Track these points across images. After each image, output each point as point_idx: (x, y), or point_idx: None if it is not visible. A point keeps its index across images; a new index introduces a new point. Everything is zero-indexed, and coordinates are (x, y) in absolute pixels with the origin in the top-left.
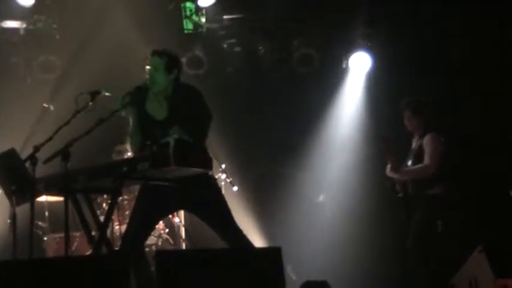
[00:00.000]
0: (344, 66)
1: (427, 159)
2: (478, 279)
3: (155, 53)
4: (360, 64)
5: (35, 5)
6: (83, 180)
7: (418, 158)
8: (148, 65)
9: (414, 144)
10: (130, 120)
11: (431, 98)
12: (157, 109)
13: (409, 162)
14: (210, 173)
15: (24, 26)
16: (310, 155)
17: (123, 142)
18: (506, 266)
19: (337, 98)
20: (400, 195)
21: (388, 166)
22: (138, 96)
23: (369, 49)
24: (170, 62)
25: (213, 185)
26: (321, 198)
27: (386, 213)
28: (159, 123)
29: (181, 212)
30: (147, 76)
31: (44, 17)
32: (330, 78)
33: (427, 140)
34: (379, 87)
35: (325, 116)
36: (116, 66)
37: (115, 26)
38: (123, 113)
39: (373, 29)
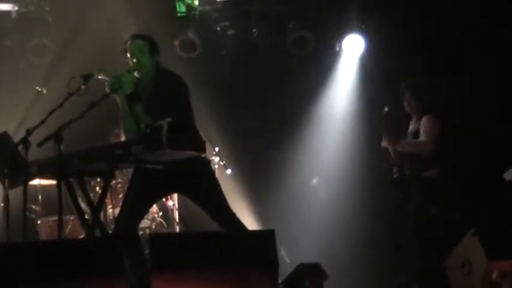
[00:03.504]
0: (337, 48)
1: (424, 137)
2: (471, 262)
3: (137, 36)
4: (353, 47)
5: None
6: (76, 164)
7: (412, 137)
8: (130, 49)
9: (412, 127)
10: (121, 104)
11: (428, 81)
12: (142, 93)
13: None
14: (204, 155)
15: (16, 9)
16: (303, 138)
17: (119, 126)
18: (499, 248)
19: (331, 80)
20: (395, 176)
21: (386, 139)
22: (127, 79)
23: (363, 32)
24: (153, 44)
25: (207, 168)
26: (315, 181)
27: (381, 195)
28: (145, 106)
29: (175, 195)
30: (132, 60)
31: (36, 0)
32: (324, 60)
33: (424, 121)
34: (372, 70)
35: (319, 98)
36: (108, 49)
37: (107, 10)
38: (115, 97)
39: (366, 11)
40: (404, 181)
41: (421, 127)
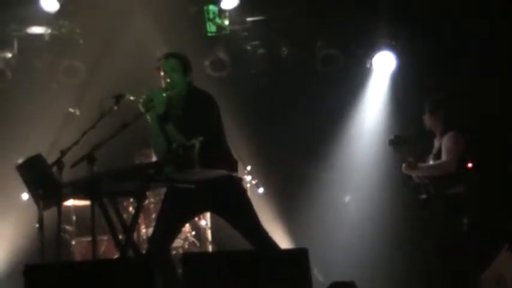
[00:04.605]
0: (368, 66)
1: (444, 156)
2: (506, 279)
3: (170, 55)
4: (384, 64)
5: (59, 11)
6: (109, 184)
7: (438, 157)
8: (163, 67)
9: (436, 144)
10: (152, 123)
11: (456, 96)
12: (173, 112)
13: (430, 162)
14: (236, 174)
15: (49, 31)
16: (334, 156)
17: (149, 145)
18: None
19: (361, 98)
20: (423, 196)
21: (404, 164)
22: (159, 99)
23: (393, 48)
24: (186, 63)
25: (239, 187)
26: (347, 199)
27: (413, 214)
28: (176, 126)
29: (207, 215)
30: (165, 79)
31: (68, 22)
32: (354, 78)
33: (446, 139)
34: (404, 87)
35: (350, 116)
36: (139, 69)
37: (137, 30)
38: (147, 116)
39: (397, 28)
40: (430, 201)
41: (443, 145)
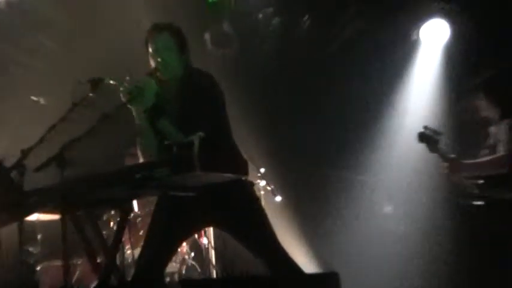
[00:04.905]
0: (414, 38)
1: (501, 149)
2: None
3: (162, 27)
4: (434, 35)
5: None
6: (85, 192)
7: (493, 152)
8: (154, 44)
9: (491, 134)
10: (138, 117)
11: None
12: (167, 102)
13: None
14: (246, 178)
15: None
16: (370, 154)
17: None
18: None
19: (406, 78)
20: (474, 203)
21: (444, 164)
22: (148, 86)
23: (446, 14)
24: (182, 38)
25: (250, 194)
26: (388, 208)
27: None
28: (171, 118)
29: (210, 230)
30: (155, 58)
31: None
32: (396, 54)
33: (503, 127)
34: (460, 64)
35: (390, 103)
36: (122, 46)
37: (121, 3)
38: (133, 107)
39: None
40: (484, 208)
41: (500, 136)
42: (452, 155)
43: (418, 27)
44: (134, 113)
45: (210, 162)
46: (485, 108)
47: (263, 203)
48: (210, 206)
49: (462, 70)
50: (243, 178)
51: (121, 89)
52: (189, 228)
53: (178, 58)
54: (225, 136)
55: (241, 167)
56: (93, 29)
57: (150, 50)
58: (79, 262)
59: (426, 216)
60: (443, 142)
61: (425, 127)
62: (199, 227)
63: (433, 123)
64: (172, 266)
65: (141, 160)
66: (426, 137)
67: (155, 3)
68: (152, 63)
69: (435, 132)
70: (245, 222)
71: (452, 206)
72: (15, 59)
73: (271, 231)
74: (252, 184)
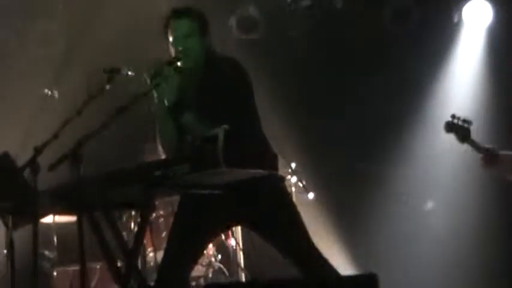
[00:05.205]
0: (456, 20)
1: None
2: None
3: (182, 13)
4: (477, 16)
5: None
6: (102, 192)
7: None
8: (173, 31)
9: None
10: (159, 104)
11: None
12: (189, 93)
13: None
14: (276, 173)
15: None
16: (409, 146)
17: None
18: None
19: (447, 64)
20: None
21: (481, 156)
22: (169, 78)
23: None
24: (204, 23)
25: (282, 190)
26: (429, 205)
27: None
28: (195, 112)
29: (238, 230)
30: (175, 46)
31: None
32: (436, 38)
33: None
34: (506, 47)
35: (431, 90)
36: (137, 34)
37: None
38: (154, 97)
39: None
40: None
41: None
42: (488, 145)
43: (460, 9)
44: (155, 100)
45: (236, 158)
46: None
47: (294, 200)
48: (237, 203)
49: (506, 54)
50: (274, 173)
51: (145, 74)
52: (214, 228)
53: (200, 44)
54: (253, 128)
55: (271, 162)
56: (106, 13)
57: (170, 38)
58: (97, 266)
59: (469, 214)
60: (475, 132)
61: (453, 116)
62: (225, 227)
63: (475, 111)
64: (198, 270)
65: (161, 155)
66: (455, 127)
67: None
68: (172, 52)
69: (464, 120)
70: (275, 220)
71: (496, 203)
72: (25, 49)
73: (304, 230)
74: (282, 179)
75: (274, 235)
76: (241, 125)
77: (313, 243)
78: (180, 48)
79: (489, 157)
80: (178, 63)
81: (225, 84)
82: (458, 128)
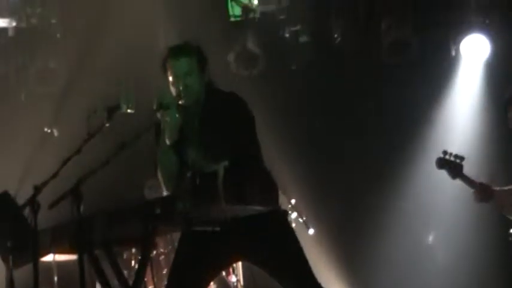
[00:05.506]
0: (453, 53)
1: None
2: None
3: (180, 52)
4: (474, 50)
5: None
6: (103, 229)
7: None
8: (173, 71)
9: None
10: (160, 142)
11: None
12: (188, 127)
13: None
14: (279, 207)
15: (14, 24)
16: (411, 177)
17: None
18: None
19: (446, 97)
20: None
21: (474, 191)
22: (171, 115)
23: (487, 29)
24: (201, 58)
25: (284, 225)
26: (430, 239)
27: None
28: (196, 148)
29: (239, 267)
30: (177, 85)
31: (40, 10)
32: (435, 70)
33: None
34: (504, 81)
35: (430, 124)
36: (138, 71)
37: (135, 16)
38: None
39: (491, 2)
40: None
41: None
42: (480, 180)
43: (458, 43)
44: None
45: (236, 194)
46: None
47: None
48: (240, 237)
49: (504, 87)
50: (277, 208)
51: (155, 102)
52: (215, 265)
53: (200, 81)
54: (256, 161)
55: (272, 195)
56: (104, 51)
57: (170, 78)
58: None
59: (470, 247)
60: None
61: (445, 152)
62: (228, 263)
63: (473, 143)
64: None
65: (162, 192)
66: (446, 163)
67: (174, 26)
68: (173, 91)
69: (456, 156)
70: (280, 255)
71: (496, 235)
72: (25, 86)
73: (306, 264)
74: (285, 213)
75: (277, 270)
76: (244, 160)
77: (316, 279)
78: (181, 88)
79: (482, 192)
80: (180, 102)
81: (226, 119)
82: (450, 164)
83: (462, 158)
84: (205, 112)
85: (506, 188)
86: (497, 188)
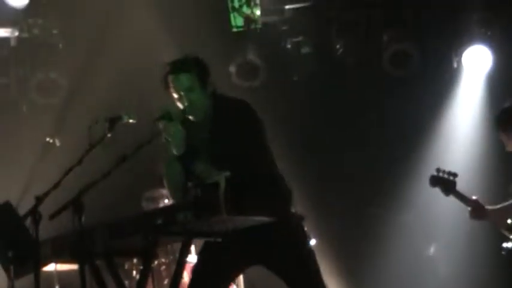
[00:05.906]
0: (455, 65)
1: None
2: None
3: (179, 69)
4: (476, 62)
5: (29, 6)
6: (104, 240)
7: None
8: (175, 88)
9: None
10: (167, 152)
11: None
12: (196, 138)
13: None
14: (294, 211)
15: (16, 34)
16: (412, 191)
17: (156, 186)
18: None
19: (448, 109)
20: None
21: (469, 209)
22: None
23: (489, 40)
24: (202, 72)
25: (296, 233)
26: (432, 250)
27: None
28: (201, 156)
29: (240, 277)
30: (182, 102)
31: (42, 21)
32: (436, 82)
33: None
34: (505, 93)
35: (432, 134)
36: (139, 82)
37: (136, 28)
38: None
39: (493, 12)
40: None
41: None
42: (475, 197)
43: (460, 54)
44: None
45: (237, 205)
46: (503, 139)
47: None
48: (252, 244)
49: (506, 99)
50: (291, 211)
51: (161, 111)
52: (223, 276)
53: (204, 94)
54: (263, 170)
55: (282, 205)
56: (106, 62)
57: (174, 95)
58: None
59: (471, 259)
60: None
61: (438, 169)
62: (235, 272)
63: (475, 156)
64: None
65: (166, 201)
66: (440, 180)
67: (175, 37)
68: (179, 105)
69: (450, 173)
70: (291, 262)
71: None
72: (26, 97)
73: (317, 270)
74: (301, 218)
75: (289, 277)
76: (250, 169)
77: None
78: (186, 104)
79: (477, 209)
80: (190, 117)
81: (236, 130)
82: (443, 181)
83: (455, 175)
84: (214, 123)
85: (499, 206)
86: (490, 208)
